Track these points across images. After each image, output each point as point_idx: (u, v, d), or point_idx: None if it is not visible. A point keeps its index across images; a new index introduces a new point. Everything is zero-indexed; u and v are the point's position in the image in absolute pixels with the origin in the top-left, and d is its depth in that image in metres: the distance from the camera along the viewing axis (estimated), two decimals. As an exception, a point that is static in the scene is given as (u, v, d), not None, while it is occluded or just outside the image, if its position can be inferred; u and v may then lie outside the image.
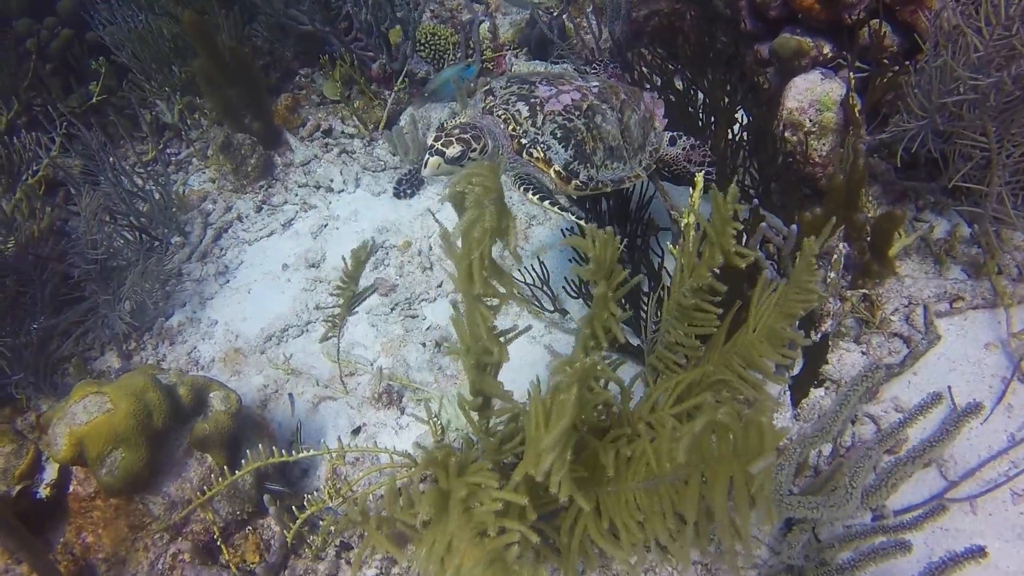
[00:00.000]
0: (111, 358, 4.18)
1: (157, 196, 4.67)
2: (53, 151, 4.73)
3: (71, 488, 2.90)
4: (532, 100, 3.09)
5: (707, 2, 4.16)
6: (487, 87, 3.29)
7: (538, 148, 3.00)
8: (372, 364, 3.83)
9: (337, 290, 3.10)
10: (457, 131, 2.88)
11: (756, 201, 3.04)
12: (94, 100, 5.63)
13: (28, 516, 2.86)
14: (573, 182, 3.03)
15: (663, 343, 2.27)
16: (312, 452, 2.77)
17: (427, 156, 2.84)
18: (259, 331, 4.13)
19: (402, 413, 3.61)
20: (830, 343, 3.16)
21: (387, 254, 4.38)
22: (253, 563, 2.96)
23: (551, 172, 3.03)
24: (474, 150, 2.86)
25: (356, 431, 3.56)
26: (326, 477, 3.28)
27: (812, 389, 3.08)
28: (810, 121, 3.45)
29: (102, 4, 5.53)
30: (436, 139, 2.86)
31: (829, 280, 3.01)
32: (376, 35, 4.91)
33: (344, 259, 3.08)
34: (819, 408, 3.07)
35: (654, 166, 3.39)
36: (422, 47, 5.04)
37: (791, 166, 3.54)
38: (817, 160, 3.48)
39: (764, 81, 3.82)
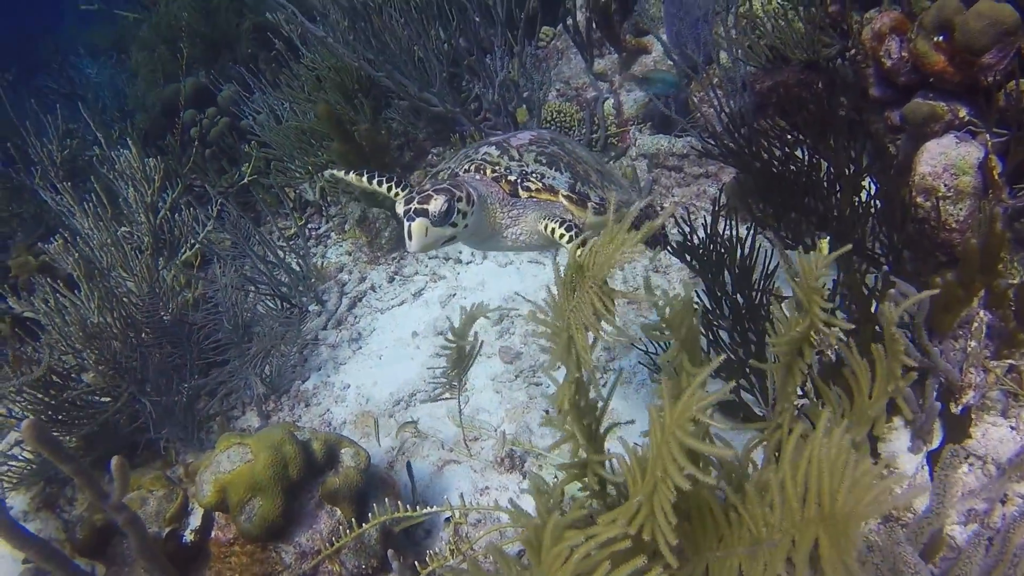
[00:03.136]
0: (252, 417, 4.43)
1: (296, 267, 5.00)
2: (208, 226, 5.15)
3: (213, 534, 3.07)
4: (492, 143, 2.62)
5: (833, 71, 4.14)
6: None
7: (532, 179, 2.49)
8: (496, 429, 3.89)
9: (445, 349, 3.13)
10: (429, 185, 2.31)
11: (887, 267, 2.96)
12: (245, 180, 6.14)
13: (174, 558, 3.04)
14: (589, 205, 2.52)
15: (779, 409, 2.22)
16: (435, 509, 2.84)
17: (407, 224, 2.21)
18: (388, 395, 4.28)
19: (524, 478, 3.63)
20: (973, 416, 2.98)
21: (512, 323, 4.48)
22: (376, 619, 3.03)
23: (560, 199, 2.50)
24: (459, 199, 2.27)
25: None
26: (449, 535, 3.34)
27: (954, 464, 2.90)
28: (945, 186, 3.34)
29: (252, 96, 6.08)
30: (408, 200, 2.24)
31: (970, 349, 2.87)
32: (504, 115, 5.15)
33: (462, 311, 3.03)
34: (962, 485, 2.88)
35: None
36: (548, 124, 5.24)
37: (924, 232, 3.42)
38: (954, 226, 3.35)
39: (892, 147, 3.74)
